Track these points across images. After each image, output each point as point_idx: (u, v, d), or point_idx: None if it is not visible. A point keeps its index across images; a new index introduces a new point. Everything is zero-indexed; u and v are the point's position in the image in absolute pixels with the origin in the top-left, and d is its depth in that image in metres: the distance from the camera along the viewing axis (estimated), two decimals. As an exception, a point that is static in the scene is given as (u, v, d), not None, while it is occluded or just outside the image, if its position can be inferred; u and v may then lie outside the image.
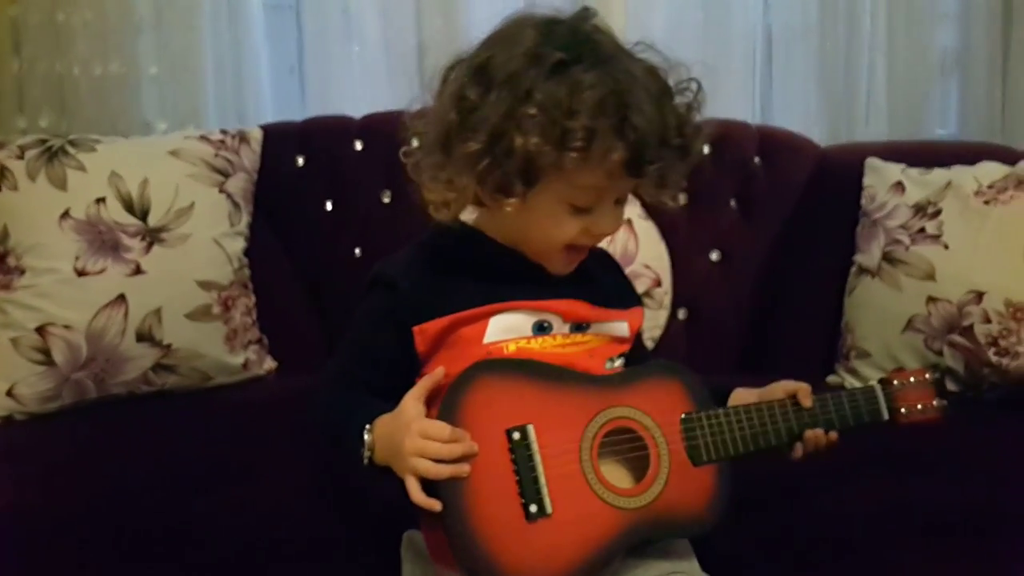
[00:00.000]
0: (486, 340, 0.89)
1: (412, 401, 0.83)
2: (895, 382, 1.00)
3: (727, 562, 0.94)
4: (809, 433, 0.93)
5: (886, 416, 0.98)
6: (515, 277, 0.92)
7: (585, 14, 0.91)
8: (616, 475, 0.86)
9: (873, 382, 1.03)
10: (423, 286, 0.90)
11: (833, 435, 0.95)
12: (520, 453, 0.82)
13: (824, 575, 0.98)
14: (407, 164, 0.94)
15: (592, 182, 0.86)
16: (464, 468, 0.80)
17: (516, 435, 0.82)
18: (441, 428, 0.81)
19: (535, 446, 0.82)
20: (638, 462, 0.87)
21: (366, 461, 0.84)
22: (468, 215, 0.95)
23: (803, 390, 0.95)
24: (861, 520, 1.03)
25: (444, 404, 0.82)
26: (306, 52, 1.83)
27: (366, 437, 0.84)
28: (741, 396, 0.97)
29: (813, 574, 0.98)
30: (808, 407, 0.94)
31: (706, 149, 1.57)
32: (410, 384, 0.85)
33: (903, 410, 0.99)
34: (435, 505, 0.79)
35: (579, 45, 0.86)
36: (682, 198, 1.58)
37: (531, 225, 0.90)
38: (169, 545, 1.00)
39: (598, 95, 0.82)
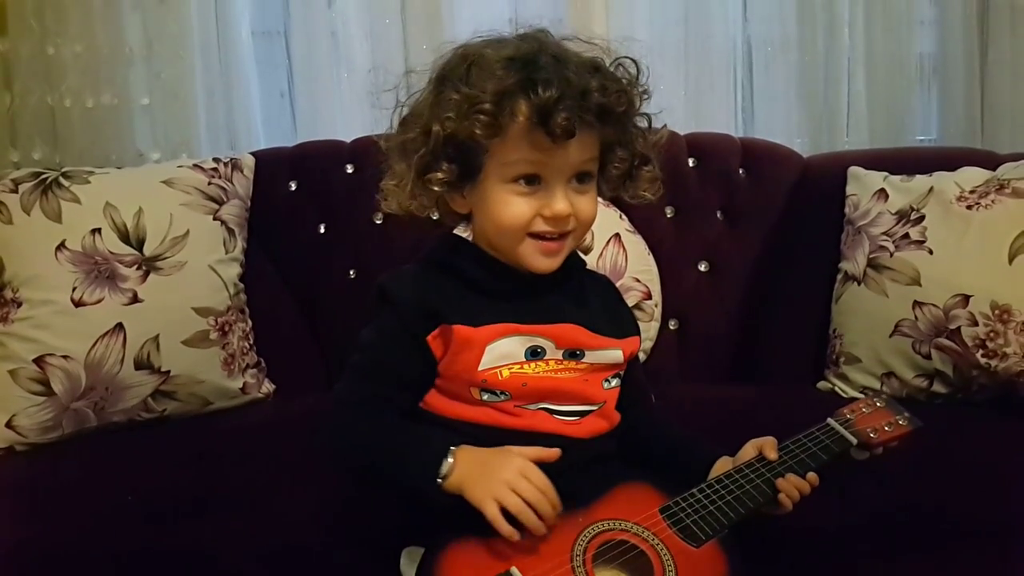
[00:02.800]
0: (481, 367, 0.90)
1: (520, 449, 0.85)
2: (846, 413, 1.03)
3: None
4: (783, 483, 0.92)
5: (853, 440, 0.99)
6: (512, 295, 0.95)
7: (539, 30, 0.96)
8: None
9: (828, 419, 1.04)
10: (428, 299, 0.92)
11: (812, 477, 0.94)
12: None
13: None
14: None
15: (518, 154, 0.89)
16: (538, 523, 0.81)
17: None
18: (541, 476, 0.83)
19: None
20: (640, 568, 0.84)
21: (441, 479, 0.83)
22: (461, 230, 0.99)
23: (768, 444, 0.96)
24: (853, 527, 1.04)
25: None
26: (296, 78, 1.85)
27: (449, 459, 0.84)
28: (720, 467, 0.96)
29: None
30: (773, 458, 0.94)
31: (690, 162, 1.64)
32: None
33: (871, 433, 1.00)
34: (514, 534, 0.80)
35: (509, 40, 0.92)
36: (668, 211, 1.62)
37: (488, 216, 0.93)
38: (174, 569, 1.00)
39: (504, 62, 0.88)
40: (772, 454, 0.95)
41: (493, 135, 0.88)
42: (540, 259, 0.94)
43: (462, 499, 0.83)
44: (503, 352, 0.91)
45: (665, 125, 0.99)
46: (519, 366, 0.92)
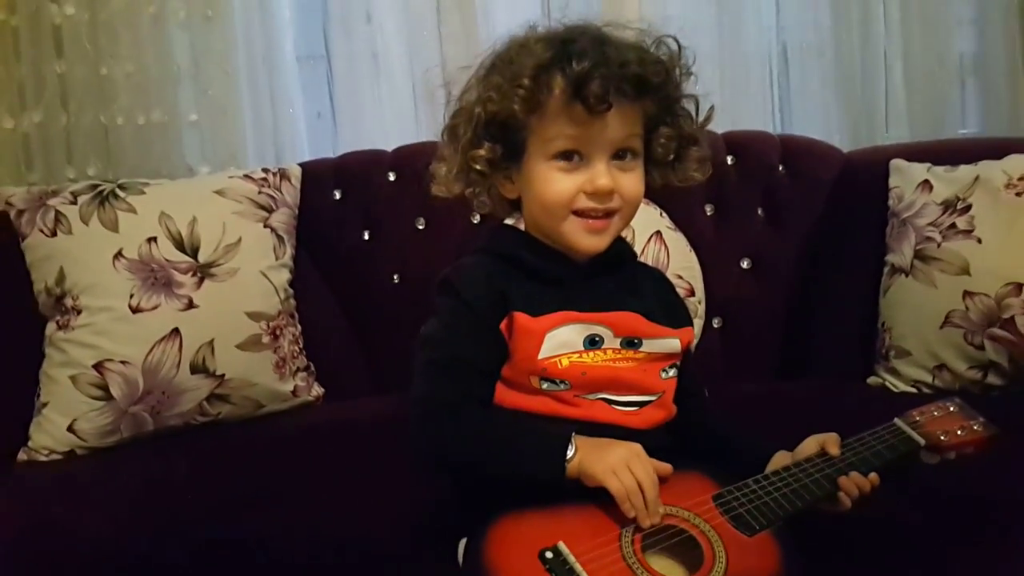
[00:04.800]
0: (540, 356, 0.91)
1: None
2: (915, 415, 1.01)
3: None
4: (845, 480, 0.91)
5: (921, 441, 0.97)
6: (569, 281, 0.96)
7: (587, 21, 0.97)
8: (671, 570, 0.82)
9: (896, 419, 1.01)
10: (496, 287, 0.93)
11: (874, 477, 0.92)
12: (559, 570, 0.79)
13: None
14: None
15: (557, 129, 0.91)
16: (642, 505, 0.83)
17: (548, 554, 0.80)
18: (652, 468, 0.85)
19: (571, 558, 0.80)
20: (689, 553, 0.84)
21: (568, 460, 0.85)
22: (511, 220, 1.00)
23: (830, 440, 0.94)
24: (909, 520, 1.02)
25: (468, 553, 0.83)
26: (337, 97, 1.89)
27: (571, 446, 0.85)
28: (778, 461, 0.95)
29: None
30: (836, 454, 0.93)
31: (729, 160, 1.64)
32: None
33: (942, 436, 0.98)
34: (631, 509, 0.82)
35: (557, 30, 0.94)
36: (708, 209, 1.62)
37: (533, 196, 0.95)
38: (234, 564, 1.03)
39: (543, 44, 0.90)
40: (835, 449, 0.93)
41: (531, 111, 0.90)
42: (585, 237, 0.94)
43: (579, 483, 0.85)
44: (562, 340, 0.92)
45: (713, 106, 0.99)
46: (578, 355, 0.92)
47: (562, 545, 0.81)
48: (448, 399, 0.90)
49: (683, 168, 0.99)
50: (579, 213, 0.93)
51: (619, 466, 0.84)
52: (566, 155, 0.92)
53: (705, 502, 0.88)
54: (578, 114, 0.89)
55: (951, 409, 1.02)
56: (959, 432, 0.99)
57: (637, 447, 0.86)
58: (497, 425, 0.91)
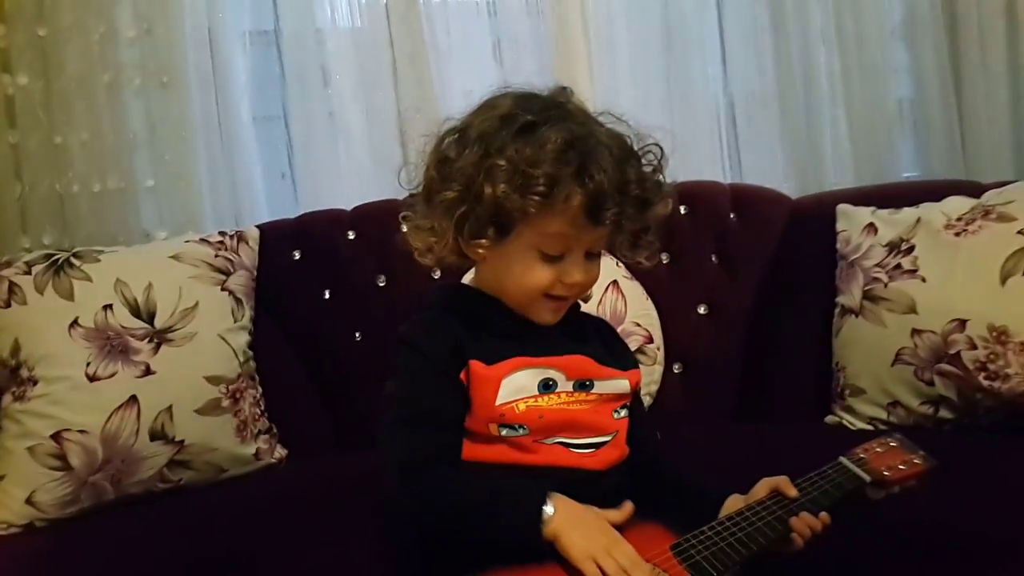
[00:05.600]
0: (498, 401, 0.93)
1: (607, 513, 0.90)
2: (859, 452, 1.04)
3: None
4: (796, 521, 0.93)
5: (867, 478, 1.00)
6: (519, 333, 0.98)
7: (562, 91, 1.01)
8: None
9: (840, 458, 1.04)
10: (450, 338, 0.96)
11: (824, 516, 0.95)
12: None
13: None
14: (405, 225, 1.02)
15: (557, 229, 0.93)
16: None
17: None
18: (632, 551, 0.86)
19: None
20: None
21: (543, 524, 0.86)
22: (466, 277, 1.02)
23: (782, 482, 0.97)
24: (864, 546, 1.04)
25: None
26: (295, 157, 1.90)
27: (548, 506, 0.86)
28: (730, 505, 0.98)
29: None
30: (792, 495, 0.96)
31: (682, 210, 1.68)
32: None
33: (885, 471, 1.01)
34: None
35: (549, 110, 0.95)
36: (664, 257, 1.66)
37: (507, 273, 0.97)
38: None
39: (560, 146, 0.91)
40: (791, 491, 0.96)
41: (542, 211, 0.92)
42: (549, 314, 0.99)
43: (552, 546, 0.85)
44: (518, 385, 0.94)
45: (671, 198, 1.02)
46: (534, 399, 0.94)
47: None
48: (421, 459, 0.91)
49: (634, 255, 1.03)
50: (549, 296, 0.98)
51: (599, 552, 0.85)
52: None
53: (663, 552, 0.89)
54: (580, 221, 0.93)
55: (892, 444, 1.06)
56: (901, 467, 1.02)
57: (616, 534, 0.87)
58: (472, 485, 0.92)
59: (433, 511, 0.90)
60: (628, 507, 0.91)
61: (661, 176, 0.99)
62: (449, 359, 0.94)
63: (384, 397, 0.97)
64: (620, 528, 0.90)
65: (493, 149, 0.93)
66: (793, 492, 0.96)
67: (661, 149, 0.99)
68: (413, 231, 1.00)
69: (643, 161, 0.98)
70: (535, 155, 0.91)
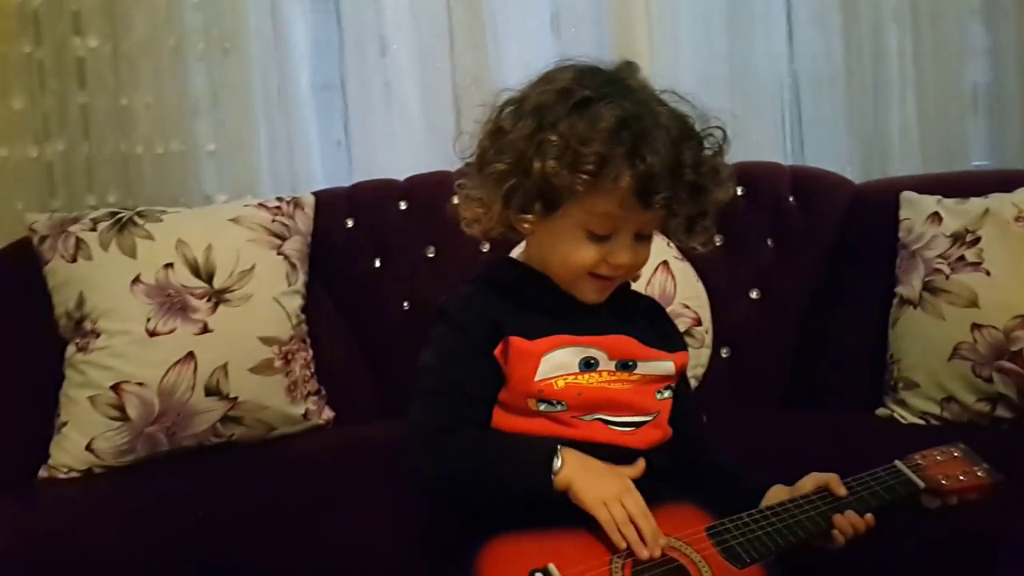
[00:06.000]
0: (537, 377, 0.93)
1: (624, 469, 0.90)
2: (917, 458, 1.01)
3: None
4: (840, 519, 0.92)
5: (921, 484, 0.97)
6: (563, 310, 0.97)
7: (627, 66, 0.99)
8: None
9: (896, 461, 1.01)
10: (489, 314, 0.96)
11: (869, 518, 0.93)
12: None
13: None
14: (457, 194, 1.02)
15: (606, 209, 0.92)
16: (636, 538, 0.84)
17: (538, 575, 0.82)
18: (642, 500, 0.86)
19: None
20: None
21: (554, 475, 0.87)
22: (515, 251, 1.02)
23: (833, 480, 0.96)
24: (906, 555, 1.02)
25: (460, 571, 0.84)
26: (351, 126, 1.92)
27: (558, 457, 0.87)
28: (774, 495, 0.97)
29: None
30: (841, 493, 0.94)
31: (739, 191, 1.63)
32: None
33: (943, 480, 0.98)
34: (621, 541, 0.84)
35: (608, 87, 0.93)
36: (718, 239, 1.63)
37: (553, 250, 0.96)
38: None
39: (613, 125, 0.89)
40: (841, 490, 0.94)
41: (590, 190, 0.91)
42: (593, 293, 0.98)
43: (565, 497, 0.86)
44: (558, 363, 0.94)
45: (731, 184, 0.99)
46: (574, 376, 0.94)
47: (552, 567, 0.82)
48: (441, 425, 0.92)
49: (689, 240, 1.00)
50: (594, 275, 0.96)
51: (610, 498, 0.85)
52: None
53: (698, 533, 0.89)
54: (631, 203, 0.91)
55: (955, 454, 1.02)
56: (961, 477, 0.98)
57: (628, 482, 0.88)
58: (486, 443, 0.93)
59: (447, 474, 0.91)
60: (640, 463, 0.91)
61: (721, 161, 0.96)
62: (484, 335, 0.94)
63: (418, 366, 0.98)
64: (656, 508, 0.89)
65: (546, 123, 0.91)
66: (842, 491, 0.94)
67: (724, 132, 0.96)
68: (464, 201, 1.00)
69: (704, 144, 0.95)
70: (587, 132, 0.89)
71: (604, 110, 0.90)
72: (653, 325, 1.05)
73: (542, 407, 0.94)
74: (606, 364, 0.96)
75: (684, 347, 1.08)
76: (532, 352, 0.93)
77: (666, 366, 1.00)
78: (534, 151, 0.91)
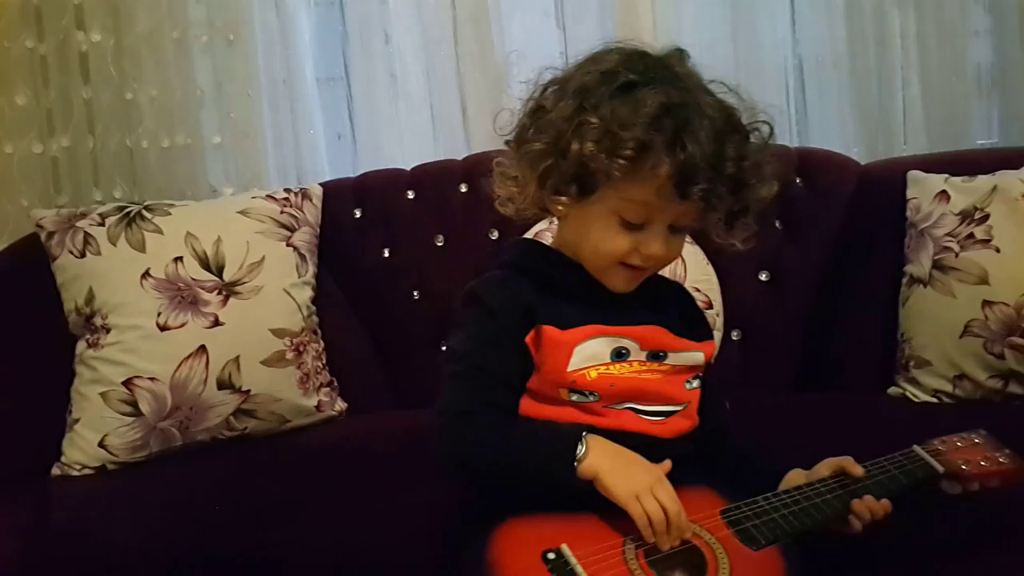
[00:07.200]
0: (570, 368, 0.92)
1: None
2: (936, 443, 1.00)
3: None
4: (858, 503, 0.91)
5: (940, 469, 0.96)
6: (594, 299, 0.96)
7: (677, 53, 0.96)
8: None
9: (914, 446, 1.00)
10: (522, 300, 0.94)
11: (887, 503, 0.92)
12: (560, 571, 0.81)
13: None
14: (495, 171, 1.00)
15: (642, 197, 0.90)
16: (664, 532, 0.83)
17: (551, 555, 0.82)
18: (675, 496, 0.85)
19: (573, 560, 0.81)
20: (692, 564, 0.84)
21: (576, 463, 0.85)
22: (529, 234, 1.01)
23: (848, 461, 0.95)
24: (923, 538, 1.01)
25: (473, 549, 0.84)
26: (356, 118, 1.92)
27: (582, 444, 0.86)
28: (791, 479, 0.96)
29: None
30: (858, 474, 0.93)
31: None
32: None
33: (963, 465, 0.97)
34: (651, 535, 0.83)
35: (653, 72, 0.91)
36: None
37: (585, 235, 0.95)
38: (264, 571, 1.05)
39: (655, 111, 0.87)
40: (856, 470, 0.94)
41: (627, 176, 0.89)
42: (623, 283, 0.97)
43: (591, 485, 0.85)
44: (590, 353, 0.93)
45: (775, 181, 0.96)
46: (605, 367, 0.93)
47: (565, 547, 0.83)
48: (467, 408, 0.91)
49: (728, 237, 0.98)
50: (625, 265, 0.95)
51: (643, 492, 0.84)
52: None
53: (712, 515, 0.89)
54: (666, 193, 0.89)
55: (976, 440, 1.01)
56: (982, 463, 0.97)
57: (659, 472, 0.87)
58: (511, 427, 0.92)
59: (470, 457, 0.90)
60: (667, 464, 0.89)
61: (765, 156, 0.93)
62: (516, 321, 0.93)
63: (447, 350, 0.97)
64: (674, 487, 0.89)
65: (588, 105, 0.89)
66: (859, 470, 0.94)
67: (771, 127, 0.94)
68: (499, 178, 0.99)
69: (750, 139, 0.92)
70: (628, 117, 0.87)
71: (648, 95, 0.88)
72: (682, 313, 1.04)
73: (574, 397, 0.93)
74: (637, 354, 0.95)
75: (710, 335, 1.07)
76: (565, 342, 0.92)
77: (696, 356, 0.99)
78: (573, 132, 0.89)
